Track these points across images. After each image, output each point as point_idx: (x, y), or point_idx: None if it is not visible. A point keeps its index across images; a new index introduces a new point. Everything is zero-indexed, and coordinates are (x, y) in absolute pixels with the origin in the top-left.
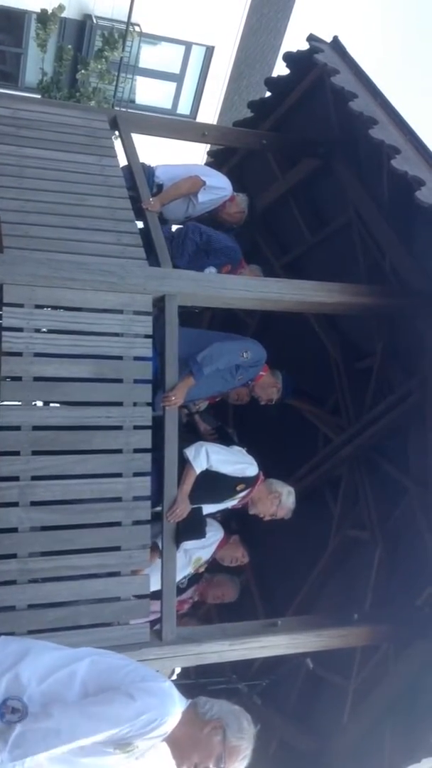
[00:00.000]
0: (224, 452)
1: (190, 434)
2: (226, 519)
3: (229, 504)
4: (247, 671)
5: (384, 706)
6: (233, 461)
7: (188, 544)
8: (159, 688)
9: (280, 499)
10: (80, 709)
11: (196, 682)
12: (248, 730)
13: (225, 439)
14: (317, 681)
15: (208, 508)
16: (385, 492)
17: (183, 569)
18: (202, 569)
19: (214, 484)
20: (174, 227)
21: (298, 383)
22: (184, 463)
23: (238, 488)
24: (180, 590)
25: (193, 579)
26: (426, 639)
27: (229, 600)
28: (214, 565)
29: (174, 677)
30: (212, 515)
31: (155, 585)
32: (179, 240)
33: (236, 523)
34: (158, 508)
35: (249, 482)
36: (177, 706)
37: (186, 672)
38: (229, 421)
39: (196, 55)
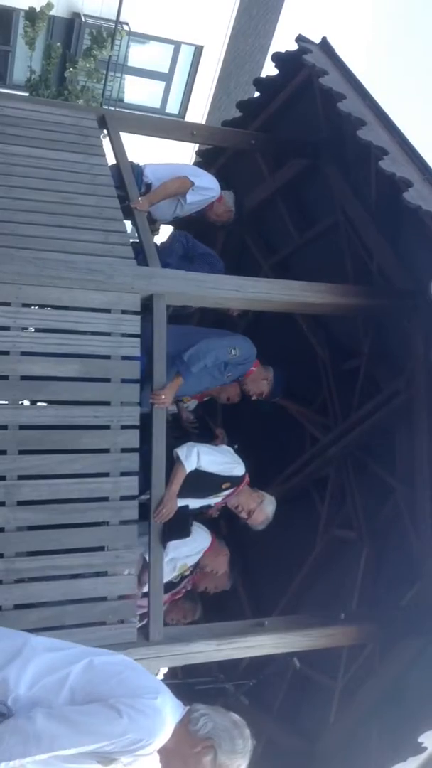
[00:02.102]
0: (215, 453)
1: (177, 431)
2: (215, 520)
3: (212, 501)
4: (234, 671)
5: (370, 706)
6: (222, 461)
7: (177, 553)
8: (150, 706)
9: (263, 500)
10: (65, 720)
11: (183, 682)
12: (243, 749)
13: (206, 431)
14: (304, 681)
15: (192, 502)
16: (372, 492)
17: (168, 575)
18: (188, 573)
19: (200, 481)
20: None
21: (287, 381)
22: (172, 462)
23: (224, 486)
24: (173, 585)
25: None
26: (412, 638)
27: (221, 588)
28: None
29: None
30: (195, 511)
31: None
32: (166, 243)
33: (225, 522)
34: (146, 496)
35: (235, 481)
36: (167, 725)
37: (173, 672)
38: (218, 421)
39: (185, 55)
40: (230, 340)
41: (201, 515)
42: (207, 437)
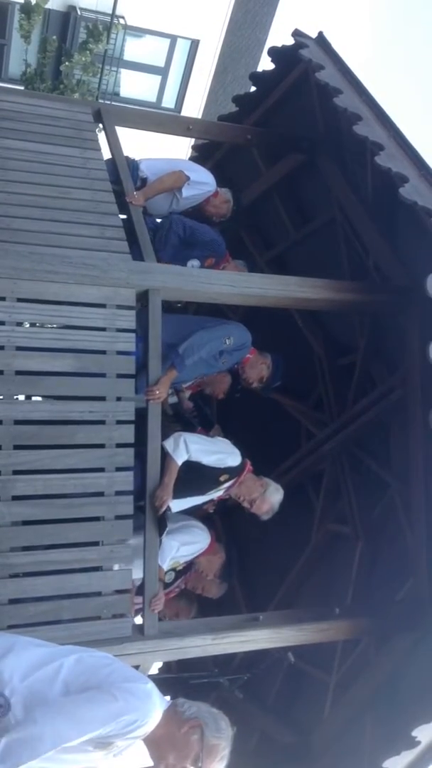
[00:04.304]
0: (203, 441)
1: (175, 424)
2: (209, 514)
3: (214, 495)
4: (228, 665)
5: (365, 700)
6: (212, 450)
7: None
8: (141, 689)
9: (266, 489)
10: (63, 713)
11: (178, 677)
12: (226, 731)
13: (204, 420)
14: (299, 675)
15: (193, 501)
16: (367, 487)
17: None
18: (180, 568)
19: (196, 477)
20: (159, 219)
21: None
22: (164, 457)
23: (222, 479)
24: (165, 584)
25: (181, 572)
26: (406, 633)
27: (208, 595)
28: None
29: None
30: (196, 509)
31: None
32: (163, 232)
33: (219, 517)
34: (140, 503)
35: (233, 472)
36: (158, 707)
37: (168, 666)
38: (213, 417)
39: (181, 49)
40: (225, 330)
41: (197, 511)
42: (206, 426)
